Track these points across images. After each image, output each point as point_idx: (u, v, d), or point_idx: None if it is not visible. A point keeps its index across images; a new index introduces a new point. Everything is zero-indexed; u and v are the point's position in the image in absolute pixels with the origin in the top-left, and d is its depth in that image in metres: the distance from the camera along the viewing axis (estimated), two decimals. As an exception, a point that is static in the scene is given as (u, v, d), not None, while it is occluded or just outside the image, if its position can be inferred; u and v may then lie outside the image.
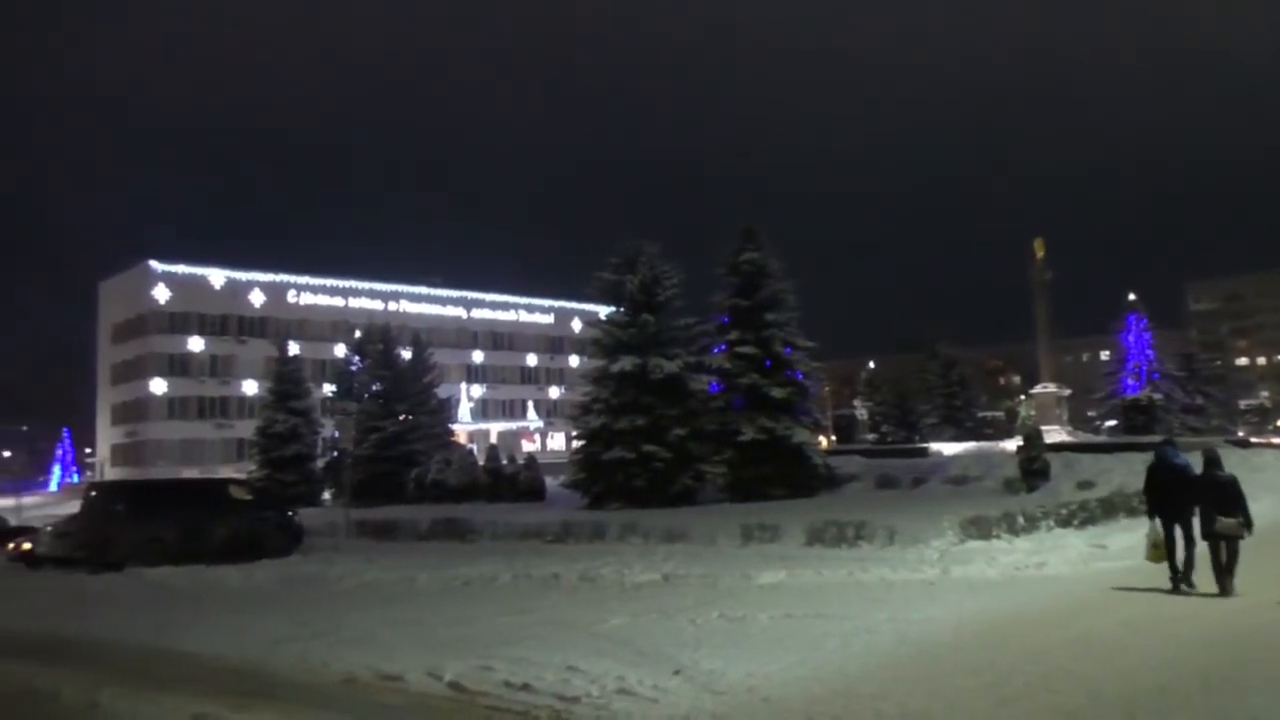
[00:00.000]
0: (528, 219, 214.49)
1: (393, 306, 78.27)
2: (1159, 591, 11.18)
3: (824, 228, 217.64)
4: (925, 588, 12.41)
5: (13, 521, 29.71)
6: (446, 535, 22.67)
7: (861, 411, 69.56)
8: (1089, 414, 63.01)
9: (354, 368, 43.60)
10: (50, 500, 57.07)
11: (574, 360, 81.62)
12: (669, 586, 13.35)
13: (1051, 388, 44.79)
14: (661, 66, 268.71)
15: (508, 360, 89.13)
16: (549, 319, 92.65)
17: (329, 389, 48.46)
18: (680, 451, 26.54)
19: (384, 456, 36.58)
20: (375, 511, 28.02)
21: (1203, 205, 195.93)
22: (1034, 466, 23.76)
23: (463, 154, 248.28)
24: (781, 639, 9.20)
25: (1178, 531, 11.32)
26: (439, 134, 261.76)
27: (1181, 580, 11.24)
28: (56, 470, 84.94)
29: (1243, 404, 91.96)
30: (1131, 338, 57.52)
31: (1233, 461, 14.54)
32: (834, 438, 60.27)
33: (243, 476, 36.40)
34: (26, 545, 21.67)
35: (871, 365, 72.84)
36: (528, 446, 69.05)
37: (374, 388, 40.20)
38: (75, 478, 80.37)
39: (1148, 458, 12.62)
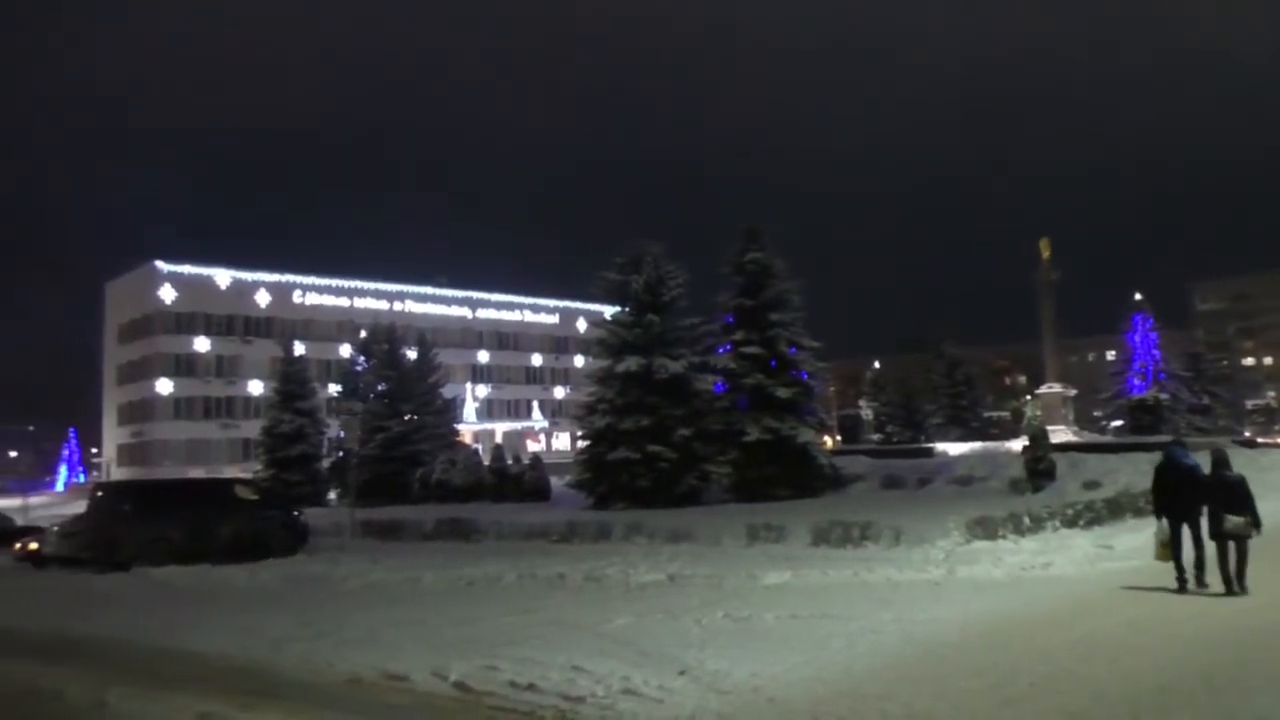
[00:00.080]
0: (528, 219, 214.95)
1: (398, 307, 78.27)
2: (1165, 592, 11.14)
3: (824, 228, 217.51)
4: (931, 588, 12.37)
5: (19, 521, 29.73)
6: (451, 535, 22.64)
7: (867, 411, 69.56)
8: (1095, 414, 62.91)
9: (359, 368, 43.66)
10: (56, 500, 57.19)
11: (579, 360, 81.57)
12: (674, 587, 13.33)
13: (1057, 388, 44.70)
14: (661, 66, 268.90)
15: (513, 360, 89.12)
16: (554, 319, 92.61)
17: (334, 389, 48.57)
18: (685, 452, 26.55)
19: (389, 456, 36.66)
20: (380, 511, 28.04)
21: (1203, 205, 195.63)
22: (1040, 467, 23.74)
23: (463, 154, 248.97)
24: (787, 639, 9.18)
25: (1185, 532, 11.30)
26: (439, 134, 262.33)
27: (1195, 579, 11.20)
28: (63, 470, 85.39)
29: (1249, 404, 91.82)
30: (1138, 338, 57.42)
31: (1240, 461, 14.46)
32: (839, 438, 60.38)
33: (248, 476, 36.49)
34: (33, 545, 21.68)
35: (877, 365, 72.82)
36: (533, 446, 69.14)
37: (379, 388, 40.31)
38: (81, 478, 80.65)
39: (1154, 458, 12.58)
